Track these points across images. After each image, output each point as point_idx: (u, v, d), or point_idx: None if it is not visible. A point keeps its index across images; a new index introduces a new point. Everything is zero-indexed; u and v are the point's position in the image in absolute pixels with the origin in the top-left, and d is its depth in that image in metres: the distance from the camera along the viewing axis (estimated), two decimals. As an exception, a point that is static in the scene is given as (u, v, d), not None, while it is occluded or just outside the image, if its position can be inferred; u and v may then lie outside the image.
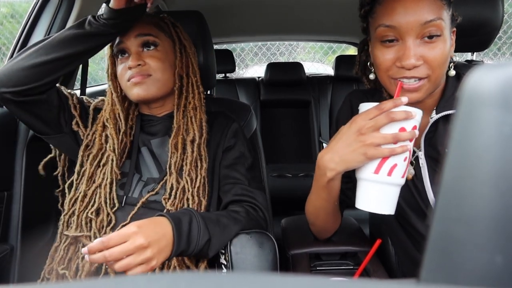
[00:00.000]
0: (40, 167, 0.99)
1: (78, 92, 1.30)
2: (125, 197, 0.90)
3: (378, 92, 0.90)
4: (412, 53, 0.70)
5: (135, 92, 0.91)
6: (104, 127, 0.96)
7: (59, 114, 0.93)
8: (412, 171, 0.81)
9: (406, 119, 0.65)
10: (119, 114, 0.95)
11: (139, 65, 0.90)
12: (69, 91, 0.98)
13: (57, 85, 0.95)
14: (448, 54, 0.72)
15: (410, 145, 0.68)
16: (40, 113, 0.90)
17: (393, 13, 0.71)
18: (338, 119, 0.95)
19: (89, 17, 0.87)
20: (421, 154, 0.80)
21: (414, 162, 0.81)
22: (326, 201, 0.81)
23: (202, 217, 0.81)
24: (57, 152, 1.01)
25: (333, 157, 0.72)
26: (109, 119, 0.95)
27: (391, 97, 0.73)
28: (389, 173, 0.67)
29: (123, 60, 0.93)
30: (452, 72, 0.77)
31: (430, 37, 0.70)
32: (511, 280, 0.20)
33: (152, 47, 0.93)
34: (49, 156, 1.00)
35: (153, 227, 0.72)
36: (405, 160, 0.67)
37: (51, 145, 1.00)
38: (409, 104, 0.67)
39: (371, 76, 0.83)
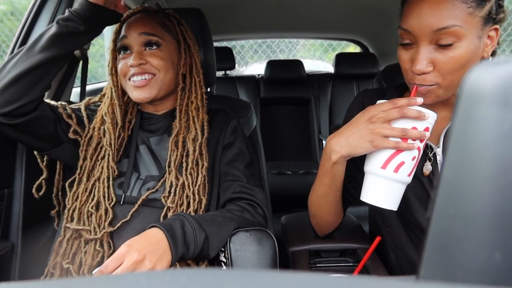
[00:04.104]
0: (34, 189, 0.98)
1: (78, 90, 1.30)
2: (123, 195, 0.90)
3: (390, 91, 0.89)
4: (421, 58, 0.68)
5: (135, 95, 0.91)
6: (103, 120, 0.96)
7: (56, 126, 0.91)
8: (430, 167, 0.79)
9: (418, 119, 0.66)
10: (116, 109, 0.96)
11: (140, 64, 0.90)
12: (59, 102, 0.96)
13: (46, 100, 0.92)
14: (467, 57, 0.68)
15: (420, 145, 0.68)
16: (39, 131, 0.88)
17: (409, 17, 0.69)
18: (347, 118, 0.94)
19: (57, 17, 0.83)
20: (439, 151, 0.78)
21: (432, 158, 0.79)
22: (329, 188, 0.81)
23: (195, 218, 0.81)
24: (58, 168, 1.00)
25: (339, 140, 0.73)
26: (107, 113, 0.95)
27: None
28: (396, 170, 0.67)
29: (124, 57, 0.93)
30: None
31: (444, 44, 0.67)
32: (510, 277, 0.20)
33: (154, 47, 0.92)
34: (42, 178, 0.98)
35: (143, 240, 0.74)
36: (413, 159, 0.68)
37: (53, 159, 0.98)
38: (422, 105, 0.67)
39: None
